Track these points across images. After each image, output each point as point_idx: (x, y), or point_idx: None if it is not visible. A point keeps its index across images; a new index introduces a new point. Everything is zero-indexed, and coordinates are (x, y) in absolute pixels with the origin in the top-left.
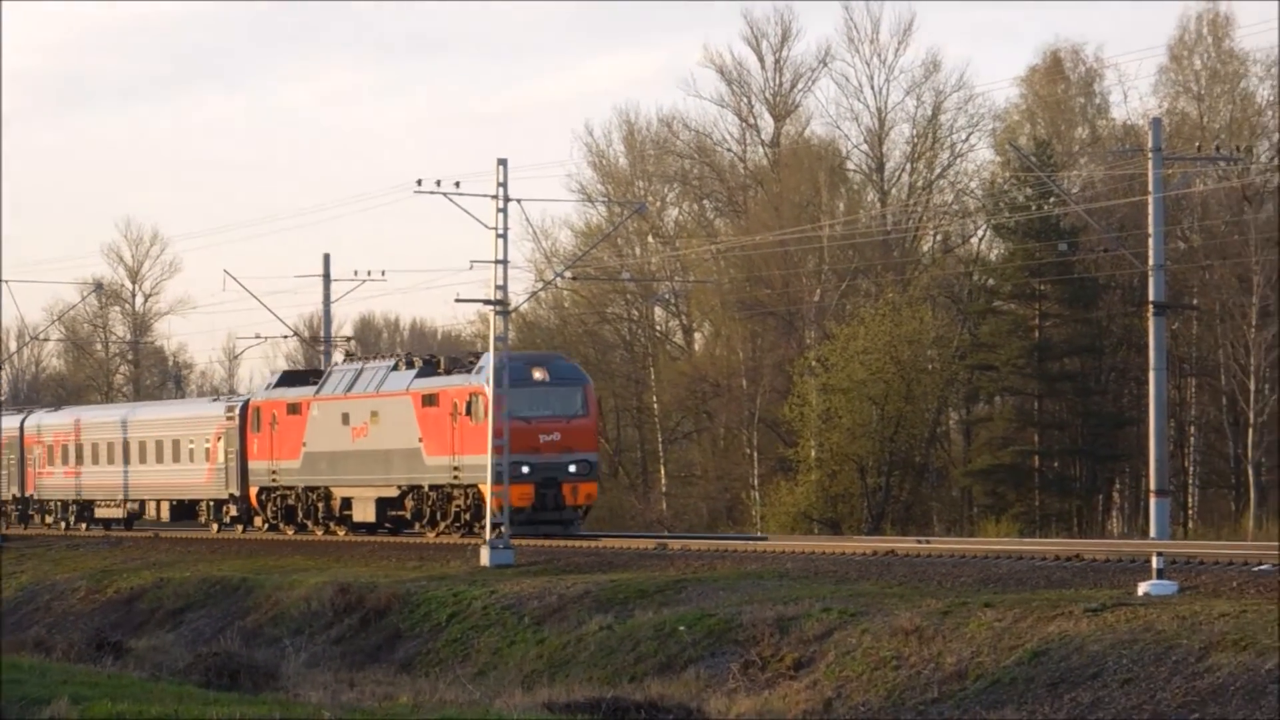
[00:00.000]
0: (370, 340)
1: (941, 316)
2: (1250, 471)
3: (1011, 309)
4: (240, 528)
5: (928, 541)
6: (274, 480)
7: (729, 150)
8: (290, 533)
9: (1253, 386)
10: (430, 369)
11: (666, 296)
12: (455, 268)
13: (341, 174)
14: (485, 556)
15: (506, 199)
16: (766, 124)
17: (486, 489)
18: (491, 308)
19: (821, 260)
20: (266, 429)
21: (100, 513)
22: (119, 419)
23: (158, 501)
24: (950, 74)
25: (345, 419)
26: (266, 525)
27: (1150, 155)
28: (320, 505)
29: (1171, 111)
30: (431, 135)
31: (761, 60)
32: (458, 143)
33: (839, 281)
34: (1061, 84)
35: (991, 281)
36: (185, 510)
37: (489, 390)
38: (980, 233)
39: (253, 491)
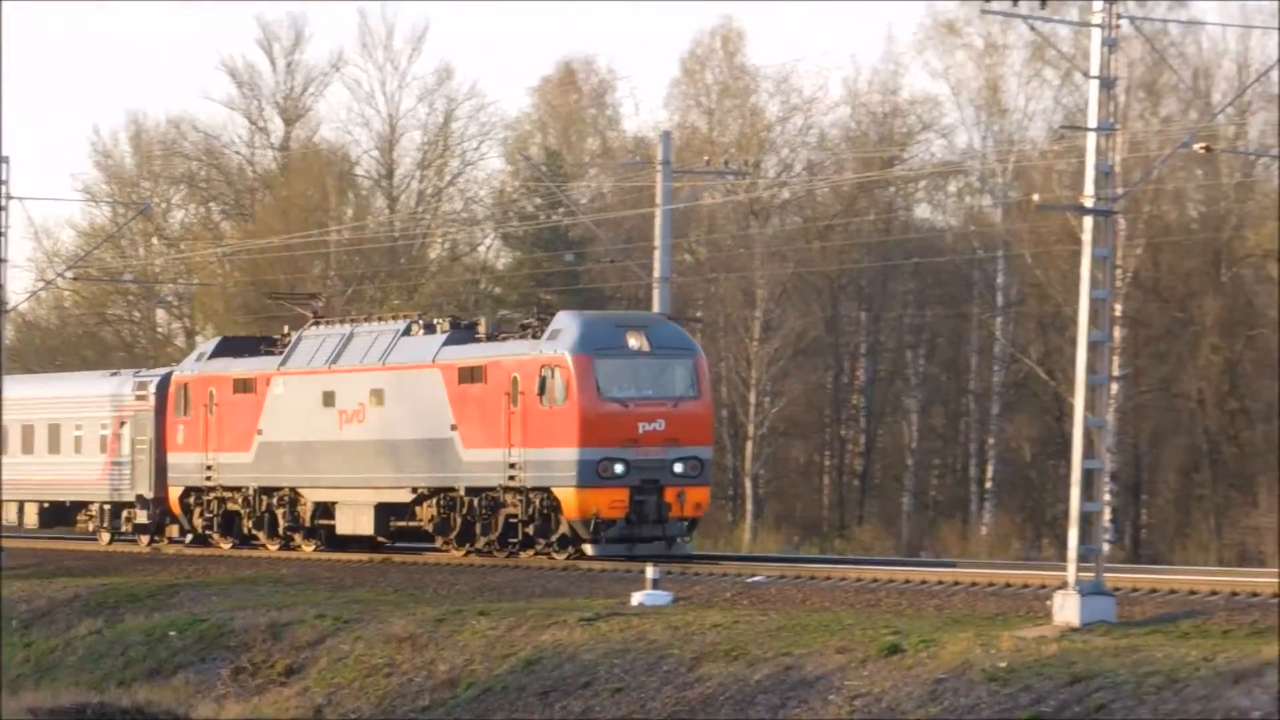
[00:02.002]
0: None
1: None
2: (749, 483)
3: (517, 318)
4: (145, 539)
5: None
6: (209, 478)
7: (238, 153)
8: (226, 546)
9: (753, 400)
10: (466, 333)
11: (169, 298)
12: None
13: None
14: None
15: (9, 197)
16: (277, 127)
17: (567, 493)
18: None
19: (328, 265)
20: (198, 412)
21: None
22: None
23: (20, 504)
24: (463, 82)
25: (328, 399)
26: (191, 537)
27: (659, 168)
28: (282, 512)
29: (682, 125)
30: None
31: (273, 63)
32: None
33: (345, 286)
34: (574, 95)
35: (498, 290)
36: (57, 515)
37: (570, 361)
38: (488, 241)
39: (174, 493)
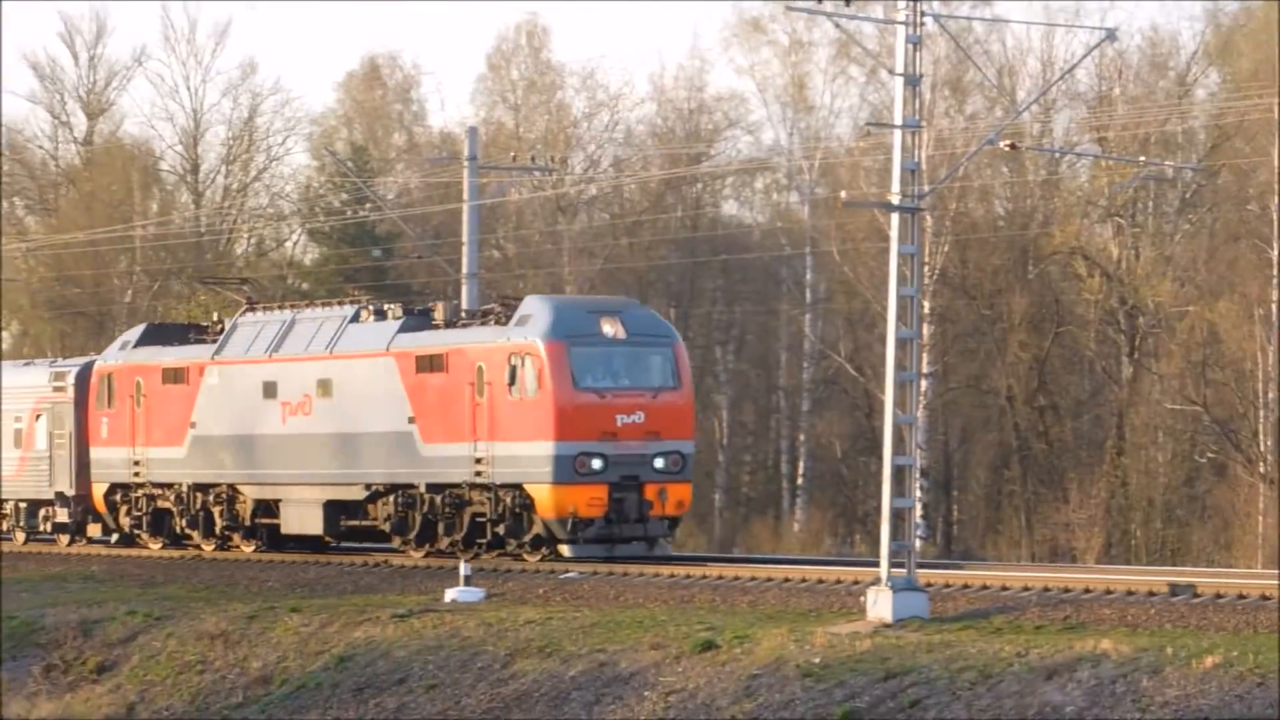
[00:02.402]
0: None
1: None
2: None
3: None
4: (64, 539)
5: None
6: (137, 475)
7: (40, 147)
8: (156, 546)
9: None
10: (422, 319)
11: None
12: None
13: None
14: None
15: None
16: (80, 121)
17: (541, 491)
18: None
19: (134, 261)
20: (124, 404)
21: None
22: None
23: None
24: (268, 77)
25: (270, 390)
26: (117, 536)
27: (466, 163)
28: (219, 510)
29: (489, 121)
30: None
31: (75, 57)
32: None
33: (151, 282)
34: (379, 90)
35: (305, 285)
36: None
37: (543, 349)
38: (295, 237)
39: (98, 490)
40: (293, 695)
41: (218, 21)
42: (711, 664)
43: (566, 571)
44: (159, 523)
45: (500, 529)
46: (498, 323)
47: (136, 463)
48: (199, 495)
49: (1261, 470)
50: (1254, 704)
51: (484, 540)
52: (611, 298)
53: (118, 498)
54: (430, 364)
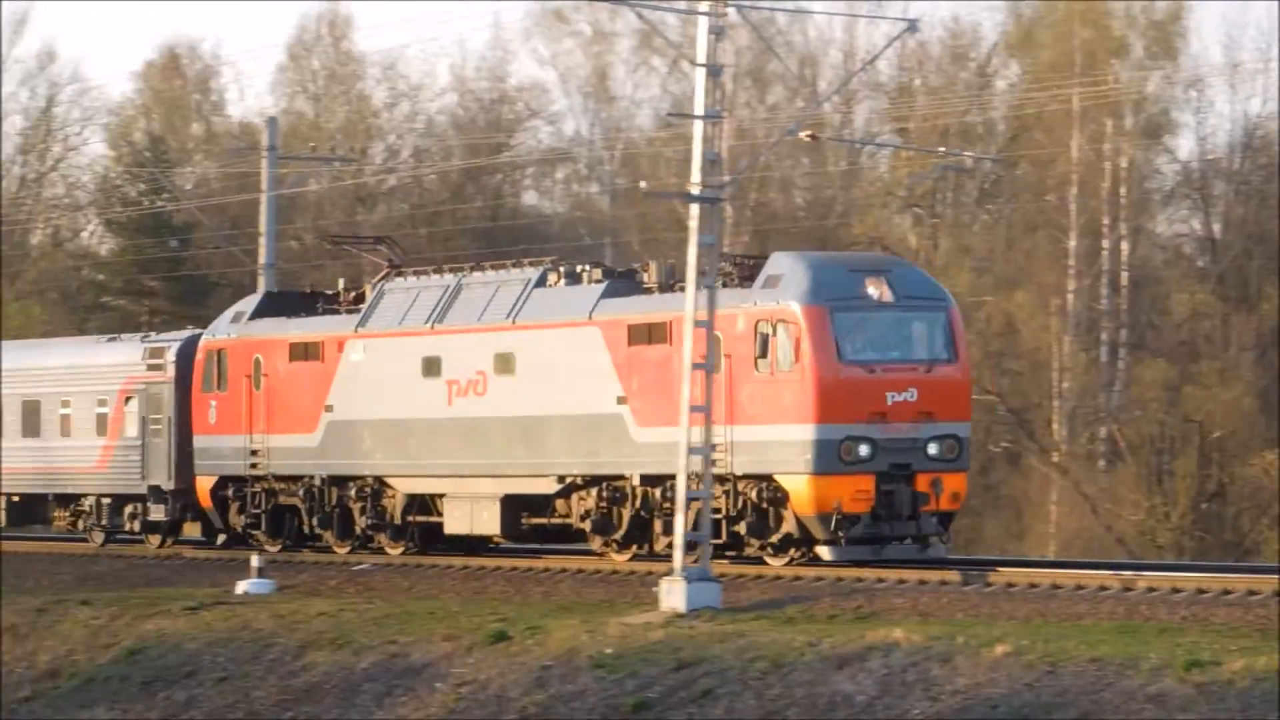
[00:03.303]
0: None
1: (52, 311)
2: None
3: (122, 305)
4: (156, 540)
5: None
6: (255, 466)
7: None
8: (275, 549)
9: None
10: (628, 283)
11: None
12: None
13: None
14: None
15: None
16: None
17: (797, 483)
18: None
19: None
20: (239, 384)
21: None
22: None
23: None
24: (65, 66)
25: (432, 367)
26: (225, 538)
27: (265, 154)
28: (361, 507)
29: (289, 111)
30: None
31: None
32: None
33: None
34: (178, 80)
35: (102, 277)
36: (24, 512)
37: (801, 315)
38: (91, 227)
39: (203, 484)
40: (81, 689)
41: (15, 10)
42: (504, 655)
43: (360, 564)
44: (278, 521)
45: (740, 528)
46: (738, 284)
47: (254, 452)
48: (335, 490)
49: (1055, 460)
50: (1043, 692)
51: (717, 541)
52: (875, 254)
53: (229, 493)
54: (648, 334)
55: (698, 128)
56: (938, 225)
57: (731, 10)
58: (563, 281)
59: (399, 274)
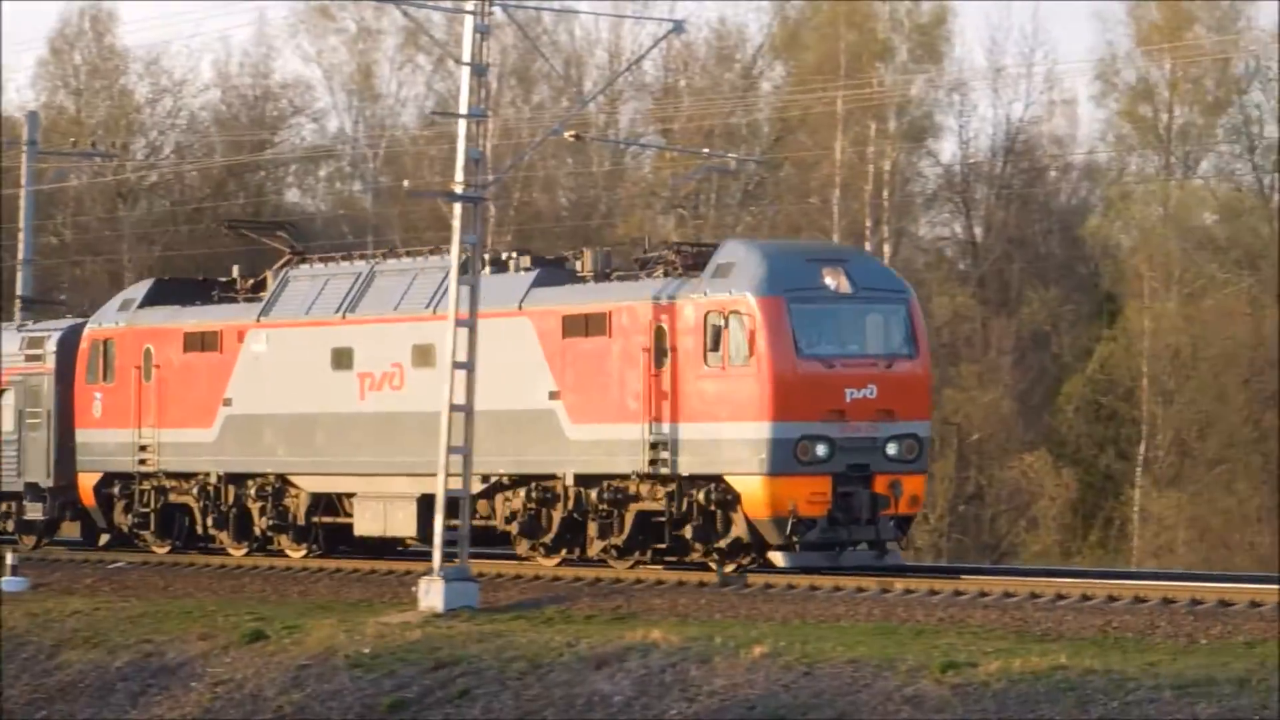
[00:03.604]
0: None
1: None
2: None
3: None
4: (31, 541)
5: None
6: (144, 462)
7: None
8: (163, 550)
9: None
10: (559, 271)
11: None
12: None
13: None
14: None
15: None
16: None
17: (751, 484)
18: None
19: None
20: (127, 376)
21: None
22: None
23: None
24: None
25: (343, 359)
26: (109, 538)
27: (25, 148)
28: (261, 507)
29: (49, 105)
30: None
31: None
32: None
33: None
34: None
35: None
36: None
37: (756, 306)
38: None
39: (86, 481)
40: None
41: None
42: (260, 654)
43: (115, 561)
44: (169, 521)
45: (685, 532)
46: (683, 273)
47: (144, 448)
48: (232, 488)
49: None
50: (800, 693)
51: (660, 545)
52: (831, 243)
53: (114, 491)
54: (585, 325)
55: (462, 126)
56: (701, 226)
57: (497, 9)
58: (488, 269)
59: (303, 261)
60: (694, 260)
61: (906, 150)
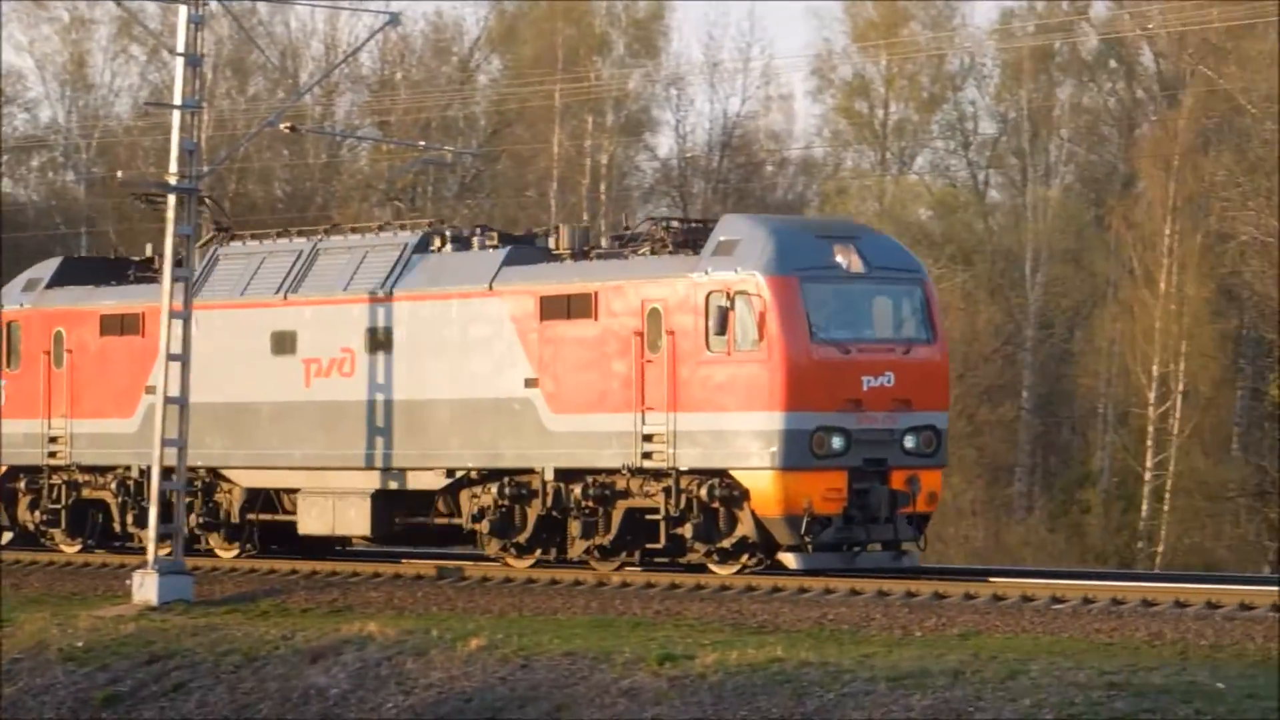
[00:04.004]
0: None
1: None
2: None
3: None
4: None
5: None
6: (55, 455)
7: None
8: (73, 549)
9: None
10: (533, 249)
11: None
12: None
13: None
14: None
15: None
16: None
17: (761, 479)
18: None
19: None
20: (35, 362)
21: None
22: None
23: None
24: None
25: (284, 344)
26: (12, 537)
27: None
28: (192, 504)
29: None
30: None
31: None
32: None
33: None
34: None
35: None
36: None
37: (766, 286)
38: None
39: None
40: None
41: None
42: None
43: None
44: (81, 518)
45: (684, 530)
46: (683, 250)
47: (54, 439)
48: (148, 484)
49: None
50: (517, 685)
51: (654, 546)
52: (840, 220)
53: (20, 485)
54: (567, 307)
55: (176, 118)
56: (417, 217)
57: (213, 0)
58: (449, 247)
59: (233, 238)
60: (685, 237)
61: (624, 144)
